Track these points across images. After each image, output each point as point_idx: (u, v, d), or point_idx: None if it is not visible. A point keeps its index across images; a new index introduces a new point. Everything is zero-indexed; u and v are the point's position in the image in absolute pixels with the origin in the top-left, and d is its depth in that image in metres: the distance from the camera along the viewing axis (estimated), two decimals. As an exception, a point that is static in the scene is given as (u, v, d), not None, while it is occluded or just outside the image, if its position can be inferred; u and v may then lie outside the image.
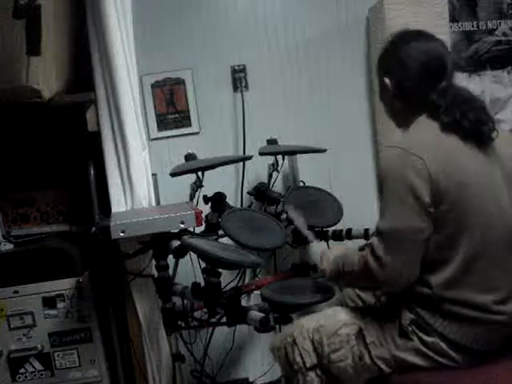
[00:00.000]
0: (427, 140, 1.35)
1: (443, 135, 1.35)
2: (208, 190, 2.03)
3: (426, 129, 1.38)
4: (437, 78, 1.39)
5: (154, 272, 1.80)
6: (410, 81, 1.41)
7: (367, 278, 1.35)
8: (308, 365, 1.47)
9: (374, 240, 1.33)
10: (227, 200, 2.04)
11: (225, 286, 1.87)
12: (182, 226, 1.62)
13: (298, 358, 1.49)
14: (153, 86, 2.36)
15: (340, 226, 2.07)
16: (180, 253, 1.69)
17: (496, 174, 1.37)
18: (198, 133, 2.41)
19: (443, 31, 2.25)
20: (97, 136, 1.83)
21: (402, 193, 1.29)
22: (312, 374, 1.48)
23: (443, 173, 1.28)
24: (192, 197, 2.00)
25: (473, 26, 2.36)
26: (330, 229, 2.10)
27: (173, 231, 1.70)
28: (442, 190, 1.28)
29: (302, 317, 1.61)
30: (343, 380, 1.47)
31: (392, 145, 1.37)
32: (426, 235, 1.30)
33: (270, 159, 2.24)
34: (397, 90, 1.44)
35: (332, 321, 1.49)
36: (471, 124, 1.34)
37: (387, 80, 1.46)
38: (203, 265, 1.56)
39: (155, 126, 2.38)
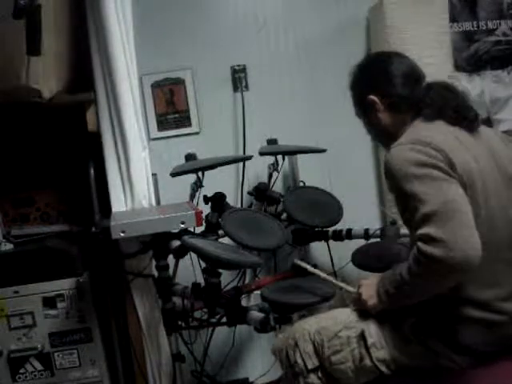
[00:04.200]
0: (429, 135, 1.36)
1: (443, 131, 1.38)
2: (208, 190, 2.03)
3: (422, 128, 1.41)
4: (419, 79, 1.50)
5: (154, 272, 1.80)
6: (398, 85, 1.47)
7: (435, 268, 1.22)
8: (309, 367, 1.47)
9: (424, 230, 1.22)
10: (227, 200, 2.04)
11: (225, 286, 1.87)
12: (182, 225, 1.62)
13: (300, 360, 1.48)
14: (153, 85, 2.36)
15: (340, 225, 2.07)
16: (180, 253, 1.69)
17: (494, 169, 1.38)
18: (198, 133, 2.41)
19: (443, 31, 2.26)
20: (97, 136, 1.83)
21: (424, 171, 1.27)
22: (313, 377, 1.47)
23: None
24: (192, 197, 2.00)
25: (473, 26, 2.35)
26: (330, 229, 2.10)
27: (173, 231, 1.70)
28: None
29: (302, 318, 1.61)
30: (344, 382, 1.46)
31: (395, 145, 1.38)
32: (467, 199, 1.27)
33: (270, 159, 2.24)
34: (386, 100, 1.49)
35: (333, 323, 1.48)
36: (454, 111, 1.40)
37: (373, 97, 1.50)
38: (203, 265, 1.56)
39: (155, 126, 2.38)
